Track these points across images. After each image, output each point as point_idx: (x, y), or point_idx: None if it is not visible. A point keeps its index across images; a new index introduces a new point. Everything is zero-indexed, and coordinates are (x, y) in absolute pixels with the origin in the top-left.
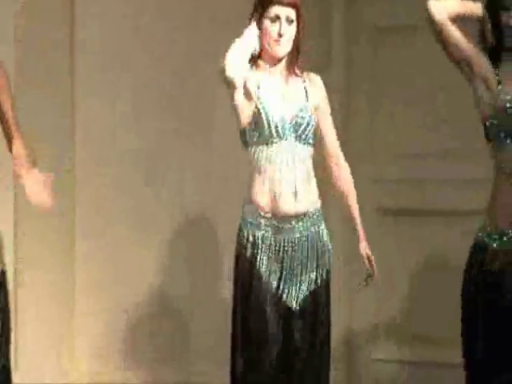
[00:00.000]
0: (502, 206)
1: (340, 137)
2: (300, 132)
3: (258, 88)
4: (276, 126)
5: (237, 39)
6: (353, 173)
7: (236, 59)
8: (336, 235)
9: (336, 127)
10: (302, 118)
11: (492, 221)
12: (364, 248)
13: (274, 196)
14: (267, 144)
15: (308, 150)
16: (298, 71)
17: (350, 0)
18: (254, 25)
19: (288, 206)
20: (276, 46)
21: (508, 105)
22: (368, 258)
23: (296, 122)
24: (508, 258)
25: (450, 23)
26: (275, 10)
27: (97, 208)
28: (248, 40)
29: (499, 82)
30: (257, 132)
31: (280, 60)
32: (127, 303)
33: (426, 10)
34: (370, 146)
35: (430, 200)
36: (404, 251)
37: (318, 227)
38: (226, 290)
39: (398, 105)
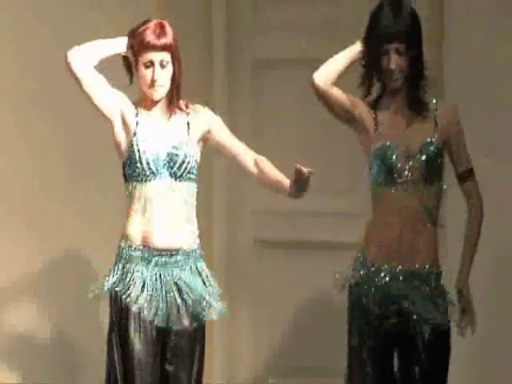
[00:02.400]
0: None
1: (223, 170)
2: (175, 169)
3: (137, 124)
4: (148, 163)
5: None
6: (230, 204)
7: (84, 50)
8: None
9: (218, 161)
10: (177, 155)
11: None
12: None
13: (147, 231)
14: (142, 180)
15: (188, 187)
16: (182, 106)
17: (230, 33)
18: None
19: (160, 241)
20: (151, 91)
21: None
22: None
23: (171, 159)
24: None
25: (331, 89)
26: (148, 55)
27: None
28: (110, 41)
29: (376, 128)
30: (132, 168)
31: (159, 101)
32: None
33: (311, 84)
34: (248, 178)
35: (306, 232)
36: (281, 283)
37: (190, 268)
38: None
39: (277, 137)
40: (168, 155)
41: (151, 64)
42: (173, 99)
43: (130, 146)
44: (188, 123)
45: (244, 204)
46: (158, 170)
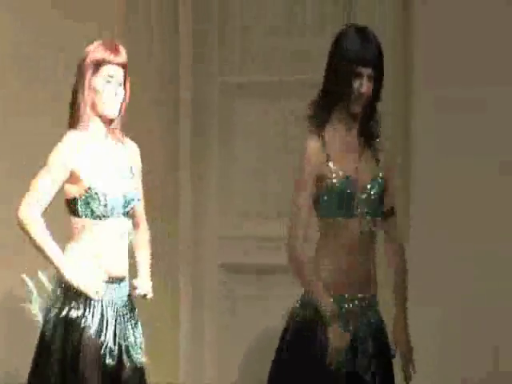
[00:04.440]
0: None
1: (189, 195)
2: (128, 208)
3: (88, 162)
4: (105, 205)
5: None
6: (200, 230)
7: (32, 213)
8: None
9: (185, 185)
10: (132, 194)
11: None
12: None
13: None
14: (99, 218)
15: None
16: (119, 135)
17: (197, 55)
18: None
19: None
20: (111, 108)
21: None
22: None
23: (126, 200)
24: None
25: (308, 227)
26: (110, 69)
27: None
28: (54, 257)
29: (327, 161)
30: (89, 207)
31: (110, 122)
32: None
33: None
34: (217, 204)
35: (274, 257)
36: (249, 309)
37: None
38: None
39: (246, 162)
40: (125, 196)
41: (111, 79)
42: (117, 125)
43: (87, 186)
44: (128, 159)
45: (211, 230)
46: (115, 211)
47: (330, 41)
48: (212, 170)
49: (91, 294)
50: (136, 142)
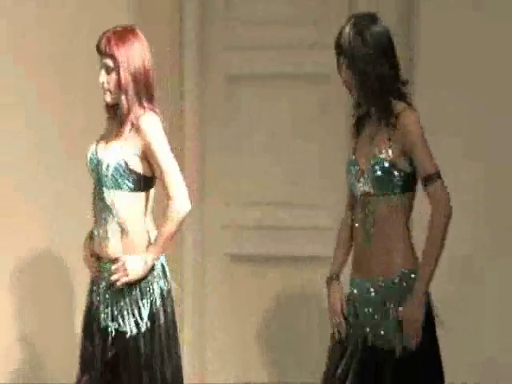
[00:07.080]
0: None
1: (193, 183)
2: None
3: None
4: None
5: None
6: (204, 219)
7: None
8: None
9: (189, 174)
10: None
11: None
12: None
13: None
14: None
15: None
16: (133, 120)
17: (201, 48)
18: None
19: None
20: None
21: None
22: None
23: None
24: None
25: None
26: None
27: None
28: None
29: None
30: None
31: (112, 106)
32: None
33: None
34: (221, 193)
35: (277, 246)
36: (253, 297)
37: None
38: None
39: (250, 153)
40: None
41: (101, 67)
42: (123, 110)
43: None
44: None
45: (216, 219)
46: None
47: (333, 31)
48: (216, 159)
49: None
50: None
